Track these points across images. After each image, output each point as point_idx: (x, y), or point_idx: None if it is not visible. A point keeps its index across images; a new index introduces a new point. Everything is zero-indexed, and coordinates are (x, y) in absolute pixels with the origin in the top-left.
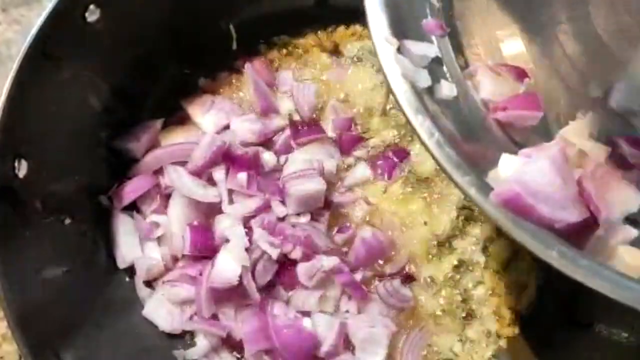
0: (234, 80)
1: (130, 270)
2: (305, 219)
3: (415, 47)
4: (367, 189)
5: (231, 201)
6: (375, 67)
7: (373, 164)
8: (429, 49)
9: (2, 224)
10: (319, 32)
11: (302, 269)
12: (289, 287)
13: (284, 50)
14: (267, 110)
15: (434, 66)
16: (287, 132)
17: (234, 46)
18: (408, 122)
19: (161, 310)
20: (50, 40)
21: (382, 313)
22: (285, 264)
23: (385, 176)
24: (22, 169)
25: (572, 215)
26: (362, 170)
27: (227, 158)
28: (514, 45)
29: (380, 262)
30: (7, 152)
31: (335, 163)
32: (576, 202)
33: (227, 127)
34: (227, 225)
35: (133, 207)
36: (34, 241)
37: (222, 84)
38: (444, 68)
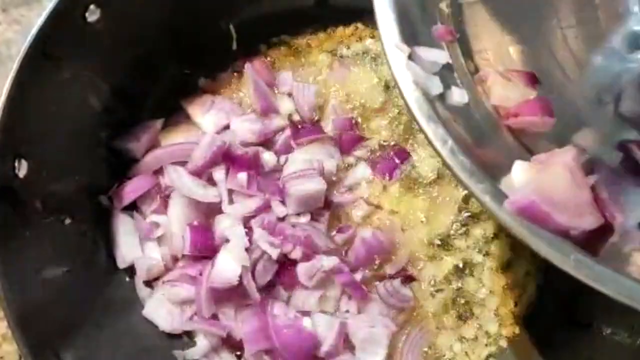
0: (234, 80)
1: (130, 270)
2: (305, 219)
3: (427, 53)
4: (367, 189)
5: (231, 201)
6: (375, 67)
7: (373, 164)
8: (440, 55)
9: (2, 224)
10: (319, 32)
11: (302, 269)
12: (289, 287)
13: (284, 51)
14: (267, 110)
15: (445, 72)
16: (287, 132)
17: (234, 46)
18: (420, 129)
19: (161, 310)
20: (50, 40)
21: (382, 313)
22: (285, 264)
23: (386, 176)
24: (22, 169)
25: (587, 222)
26: (362, 170)
27: (227, 158)
28: (522, 50)
29: (381, 262)
30: (7, 152)
31: (335, 163)
32: (591, 209)
33: (227, 127)
34: (227, 225)
35: (133, 207)
36: (34, 241)
37: (222, 84)
38: (455, 74)
